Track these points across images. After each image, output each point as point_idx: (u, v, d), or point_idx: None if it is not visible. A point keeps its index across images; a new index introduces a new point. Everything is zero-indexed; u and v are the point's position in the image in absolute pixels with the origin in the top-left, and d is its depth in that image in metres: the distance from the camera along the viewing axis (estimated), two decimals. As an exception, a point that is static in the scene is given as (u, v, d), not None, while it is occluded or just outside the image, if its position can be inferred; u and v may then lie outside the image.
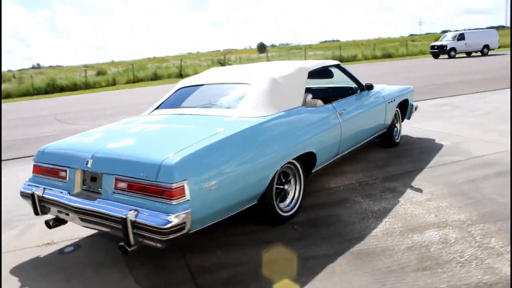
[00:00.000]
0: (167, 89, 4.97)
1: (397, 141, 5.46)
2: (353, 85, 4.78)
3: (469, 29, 31.53)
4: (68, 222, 3.04)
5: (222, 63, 30.51)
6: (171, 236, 2.31)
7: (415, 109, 5.94)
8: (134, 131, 3.23)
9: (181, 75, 27.93)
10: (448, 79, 13.70)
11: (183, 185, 2.37)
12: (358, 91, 4.64)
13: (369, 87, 4.63)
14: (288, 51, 44.77)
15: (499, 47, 28.68)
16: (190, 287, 2.51)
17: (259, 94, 3.41)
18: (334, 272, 2.54)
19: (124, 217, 2.37)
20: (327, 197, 3.85)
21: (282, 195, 3.33)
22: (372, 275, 2.47)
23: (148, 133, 3.16)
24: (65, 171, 2.92)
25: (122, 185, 2.57)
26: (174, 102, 3.90)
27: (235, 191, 2.71)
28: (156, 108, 3.89)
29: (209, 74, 4.18)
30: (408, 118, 5.89)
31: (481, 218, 3.12)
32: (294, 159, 3.30)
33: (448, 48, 27.93)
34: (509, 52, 25.37)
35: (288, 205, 3.38)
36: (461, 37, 28.18)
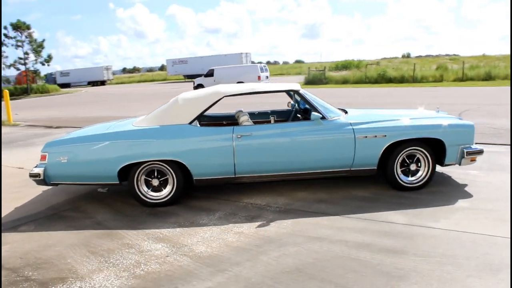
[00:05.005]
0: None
1: (410, 185, 4.59)
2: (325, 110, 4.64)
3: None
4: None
5: None
6: (33, 179, 4.40)
7: (473, 154, 4.55)
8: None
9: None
10: None
11: (46, 154, 4.39)
12: (319, 119, 4.49)
13: (323, 117, 4.46)
14: None
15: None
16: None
17: (158, 109, 4.66)
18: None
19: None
20: (216, 205, 4.51)
21: (154, 186, 4.51)
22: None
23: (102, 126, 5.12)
24: None
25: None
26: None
27: (84, 169, 4.38)
28: None
29: None
30: (459, 164, 4.62)
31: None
32: (162, 162, 4.40)
33: (195, 84, 26.54)
34: None
35: (162, 195, 4.51)
36: (210, 72, 25.51)
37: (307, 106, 5.23)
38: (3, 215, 4.48)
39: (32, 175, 4.40)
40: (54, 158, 4.39)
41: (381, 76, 27.40)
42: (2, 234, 3.94)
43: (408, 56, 71.86)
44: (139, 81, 60.86)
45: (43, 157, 4.42)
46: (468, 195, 4.38)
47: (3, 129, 12.43)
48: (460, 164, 4.60)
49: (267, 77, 28.01)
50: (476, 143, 4.72)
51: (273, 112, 5.86)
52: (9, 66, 34.13)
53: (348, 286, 2.71)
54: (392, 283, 2.71)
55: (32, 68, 34.84)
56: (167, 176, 4.48)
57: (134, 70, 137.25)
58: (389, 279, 2.76)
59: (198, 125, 4.53)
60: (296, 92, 4.67)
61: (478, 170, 5.28)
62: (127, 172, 4.42)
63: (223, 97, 4.59)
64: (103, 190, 5.24)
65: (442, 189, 4.61)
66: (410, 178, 4.61)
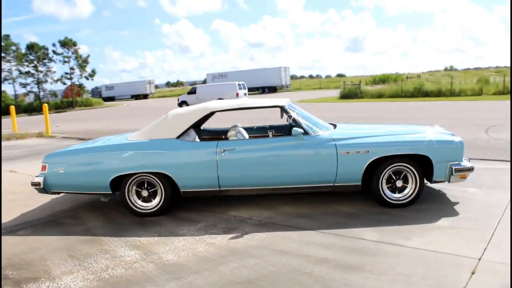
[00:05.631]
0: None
1: (397, 202, 4.52)
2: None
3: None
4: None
5: None
6: (34, 187, 4.76)
7: (462, 171, 4.45)
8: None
9: None
10: None
11: (45, 165, 4.75)
12: (301, 134, 4.54)
13: (305, 132, 4.53)
14: None
15: None
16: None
17: (151, 124, 4.91)
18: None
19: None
20: (201, 217, 4.67)
21: (144, 197, 4.74)
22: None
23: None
24: None
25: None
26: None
27: (79, 179, 4.69)
28: None
29: None
30: (448, 181, 4.52)
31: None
32: (151, 174, 4.63)
33: (179, 101, 30.05)
34: None
35: (151, 206, 4.73)
36: (193, 90, 29.93)
37: (309, 117, 5.32)
38: (9, 220, 4.86)
39: (33, 184, 4.77)
40: (53, 169, 4.73)
41: (417, 90, 26.74)
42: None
43: (451, 69, 69.44)
44: (180, 94, 62.54)
45: (43, 167, 4.78)
46: (454, 214, 4.28)
47: (40, 140, 13.30)
48: (449, 181, 4.51)
49: (245, 94, 30.13)
50: (487, 160, 4.59)
51: (272, 127, 5.97)
52: (56, 81, 36.53)
53: (289, 298, 2.77)
54: (333, 298, 2.74)
55: (77, 83, 37.07)
56: (156, 188, 4.69)
57: (178, 84, 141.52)
58: (331, 294, 2.79)
59: (197, 140, 4.77)
60: (281, 108, 4.76)
61: (478, 188, 5.13)
62: (119, 182, 4.68)
63: (210, 112, 4.78)
64: (105, 200, 5.54)
65: (431, 207, 4.52)
66: (397, 195, 4.55)
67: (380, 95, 28.03)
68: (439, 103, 20.16)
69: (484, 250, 3.36)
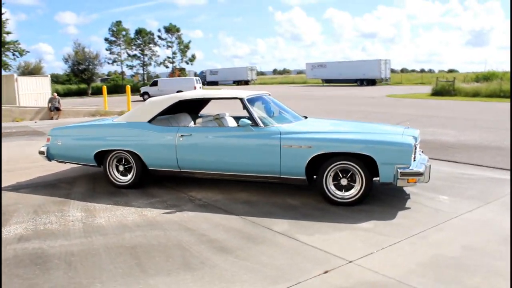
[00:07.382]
0: None
1: (342, 200, 4.54)
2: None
3: None
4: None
5: None
6: (41, 155, 5.78)
7: (408, 175, 4.32)
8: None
9: None
10: None
11: (49, 138, 5.74)
12: (248, 125, 4.74)
13: (255, 125, 4.79)
14: None
15: None
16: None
17: (132, 109, 5.59)
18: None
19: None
20: (162, 194, 5.24)
21: (121, 171, 5.47)
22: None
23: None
24: None
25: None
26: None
27: (72, 151, 5.58)
28: None
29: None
30: (396, 184, 4.41)
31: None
32: (125, 152, 5.33)
33: (141, 92, 30.55)
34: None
35: (126, 179, 5.44)
36: (154, 82, 31.01)
37: (280, 110, 5.57)
38: (24, 181, 5.95)
39: (40, 152, 5.80)
40: (54, 141, 5.68)
41: (508, 89, 23.84)
42: (4, 191, 5.34)
43: None
44: (280, 83, 63.94)
45: (48, 139, 5.76)
46: (389, 218, 4.20)
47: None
48: (397, 185, 4.40)
49: (200, 87, 32.47)
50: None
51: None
52: (159, 64, 40.28)
53: (143, 264, 3.20)
54: (175, 267, 3.10)
55: (178, 66, 40.42)
56: (131, 164, 5.37)
57: (284, 72, 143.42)
58: (178, 265, 3.14)
59: (192, 125, 5.41)
60: (240, 99, 5.04)
61: (451, 196, 4.91)
62: (103, 157, 5.46)
63: (178, 101, 5.28)
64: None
65: (375, 209, 4.48)
66: (342, 193, 4.58)
67: (475, 94, 25.59)
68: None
69: (367, 255, 3.35)
